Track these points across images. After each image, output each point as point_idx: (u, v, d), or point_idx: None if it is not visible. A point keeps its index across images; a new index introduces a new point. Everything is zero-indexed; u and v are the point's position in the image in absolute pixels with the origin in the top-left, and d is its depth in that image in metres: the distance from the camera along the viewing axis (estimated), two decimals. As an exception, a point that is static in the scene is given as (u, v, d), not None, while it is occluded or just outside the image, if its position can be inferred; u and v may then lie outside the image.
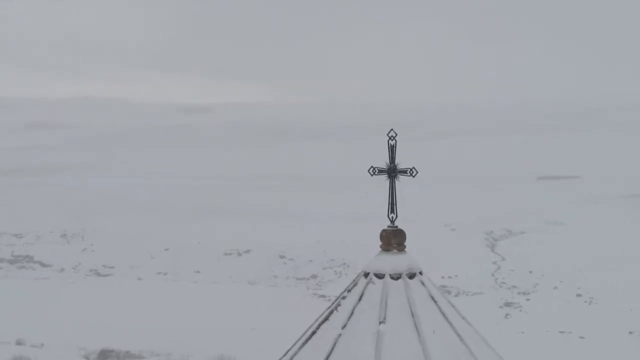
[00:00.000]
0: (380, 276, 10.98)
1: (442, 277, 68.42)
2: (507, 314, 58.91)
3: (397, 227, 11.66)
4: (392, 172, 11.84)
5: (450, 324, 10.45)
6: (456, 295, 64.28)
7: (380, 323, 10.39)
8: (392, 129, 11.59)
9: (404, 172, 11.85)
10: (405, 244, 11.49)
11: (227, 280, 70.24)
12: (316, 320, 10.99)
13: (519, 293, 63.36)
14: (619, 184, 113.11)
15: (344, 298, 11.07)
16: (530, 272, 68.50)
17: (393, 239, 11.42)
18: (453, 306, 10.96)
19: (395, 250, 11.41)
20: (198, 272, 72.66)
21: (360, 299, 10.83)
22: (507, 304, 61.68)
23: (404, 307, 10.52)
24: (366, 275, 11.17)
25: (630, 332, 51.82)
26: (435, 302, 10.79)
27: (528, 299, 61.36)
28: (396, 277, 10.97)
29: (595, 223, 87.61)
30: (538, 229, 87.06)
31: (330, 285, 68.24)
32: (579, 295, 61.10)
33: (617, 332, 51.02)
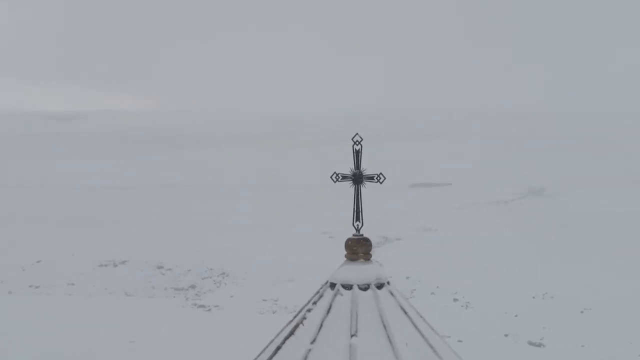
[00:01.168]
0: (347, 287, 10.81)
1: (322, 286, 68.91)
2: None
3: (362, 235, 11.55)
4: (358, 178, 11.68)
5: (422, 335, 10.31)
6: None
7: (352, 336, 10.18)
8: (357, 133, 11.45)
9: (370, 178, 11.69)
10: (371, 252, 11.39)
11: (103, 292, 68.35)
12: (278, 335, 10.60)
13: (414, 299, 64.78)
14: (489, 191, 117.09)
15: (309, 311, 10.77)
16: (408, 278, 69.63)
17: (360, 248, 11.31)
18: (421, 317, 10.92)
19: (362, 260, 11.31)
20: (72, 284, 70.40)
21: (328, 311, 10.57)
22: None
23: (375, 319, 10.32)
24: (332, 286, 10.96)
25: (506, 335, 53.42)
26: (405, 312, 10.66)
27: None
28: (364, 287, 10.81)
29: (466, 229, 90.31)
30: (413, 235, 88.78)
31: (210, 295, 67.26)
32: (455, 299, 62.57)
33: (493, 335, 52.69)
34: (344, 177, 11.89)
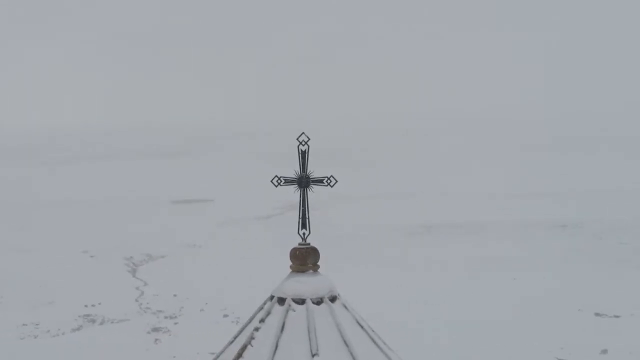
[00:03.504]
0: (299, 301, 9.84)
1: (86, 305, 65.90)
2: (156, 339, 58.34)
3: (309, 244, 10.62)
4: (304, 182, 10.61)
5: (381, 349, 9.67)
6: (101, 324, 62.00)
7: (313, 355, 9.26)
8: (303, 132, 10.42)
9: (319, 181, 10.61)
10: (319, 263, 10.37)
11: None
12: (217, 357, 9.40)
13: (165, 317, 62.88)
14: (250, 206, 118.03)
15: (256, 329, 9.74)
16: (175, 295, 68.26)
17: (309, 258, 10.35)
18: (373, 330, 10.11)
19: (311, 271, 10.32)
20: None
21: (282, 329, 9.58)
22: (155, 329, 61.12)
23: (334, 335, 9.47)
24: (281, 301, 9.93)
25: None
26: (361, 327, 9.92)
27: (176, 323, 61.07)
28: (318, 301, 9.88)
29: (231, 244, 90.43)
30: (178, 252, 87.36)
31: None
32: (225, 315, 62.07)
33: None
34: (288, 181, 10.78)
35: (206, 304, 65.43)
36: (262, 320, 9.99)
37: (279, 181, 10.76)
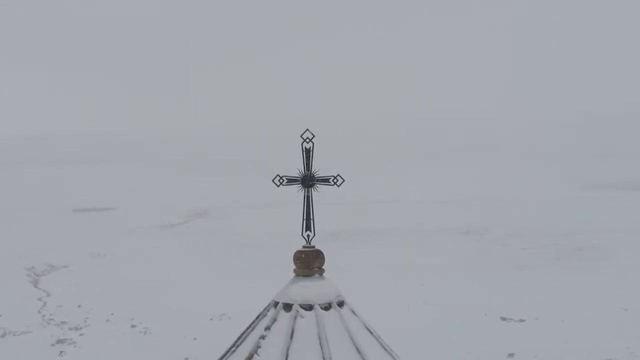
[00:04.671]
0: (307, 307, 9.23)
1: (-15, 318, 63.77)
2: (61, 351, 56.70)
3: (314, 247, 9.94)
4: (308, 181, 9.97)
5: (392, 356, 9.26)
6: (3, 336, 59.87)
7: None
8: (307, 129, 9.75)
9: (324, 180, 9.96)
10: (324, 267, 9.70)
11: None
12: None
13: (70, 329, 61.14)
14: (155, 215, 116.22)
15: (263, 338, 9.09)
16: (79, 306, 66.51)
17: (315, 262, 9.69)
18: (380, 336, 9.66)
19: (317, 275, 9.70)
20: None
21: (292, 336, 8.94)
22: (60, 341, 59.38)
23: (346, 342, 8.92)
24: (287, 307, 9.28)
25: (186, 358, 52.85)
26: (371, 333, 9.42)
27: (82, 334, 59.51)
28: (326, 307, 9.27)
29: (136, 253, 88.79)
30: (81, 261, 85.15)
31: None
32: (133, 326, 60.79)
33: (173, 359, 52.11)
34: (291, 180, 10.06)
35: (112, 314, 63.97)
36: (267, 328, 9.36)
37: (281, 180, 10.07)
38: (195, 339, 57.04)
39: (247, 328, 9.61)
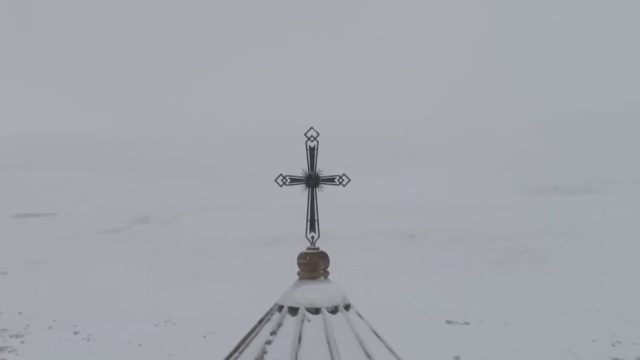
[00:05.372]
0: (313, 311, 8.96)
1: None
2: (2, 359, 55.69)
3: (318, 248, 9.73)
4: (313, 181, 9.77)
5: None
6: (-62, 345, 58.55)
7: None
8: (312, 127, 9.43)
9: (330, 180, 9.77)
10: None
11: None
12: None
13: (11, 336, 59.80)
14: (96, 220, 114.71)
15: (268, 343, 8.80)
16: (20, 313, 65.16)
17: (320, 264, 9.47)
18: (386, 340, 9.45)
19: (322, 278, 9.48)
20: None
21: (299, 341, 8.67)
22: (0, 349, 58.30)
23: (355, 346, 8.70)
24: (293, 311, 9.03)
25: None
26: (378, 337, 9.22)
27: (23, 342, 58.22)
28: (333, 310, 9.04)
29: (78, 259, 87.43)
30: (21, 268, 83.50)
31: None
32: (76, 332, 59.81)
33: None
34: (294, 180, 9.77)
35: (54, 321, 62.83)
36: (273, 333, 9.08)
37: (284, 180, 9.80)
38: (140, 345, 56.40)
39: (250, 333, 9.34)
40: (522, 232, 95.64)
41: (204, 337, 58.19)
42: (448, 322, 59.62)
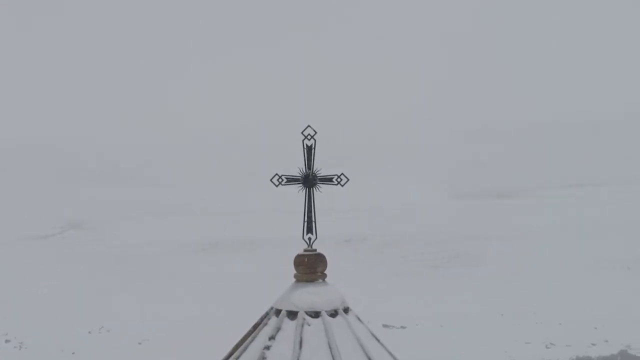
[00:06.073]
0: (312, 314, 8.62)
1: None
2: None
3: (315, 250, 9.37)
4: (310, 180, 9.34)
5: None
6: None
7: None
8: (309, 126, 9.07)
9: (327, 179, 9.34)
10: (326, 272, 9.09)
11: None
12: None
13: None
14: (27, 226, 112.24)
15: (267, 348, 8.38)
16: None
17: (318, 267, 9.10)
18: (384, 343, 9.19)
19: (320, 280, 9.13)
20: None
21: (301, 346, 8.29)
22: None
23: (357, 350, 8.40)
24: (291, 315, 8.64)
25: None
26: (377, 340, 8.95)
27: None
28: (332, 314, 8.72)
29: (9, 265, 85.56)
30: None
31: None
32: (7, 341, 58.49)
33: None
34: (291, 180, 9.32)
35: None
36: (272, 337, 8.64)
37: (280, 180, 9.36)
38: (73, 353, 55.39)
39: (244, 338, 8.99)
40: (457, 236, 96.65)
41: (139, 344, 57.40)
42: (385, 326, 59.87)
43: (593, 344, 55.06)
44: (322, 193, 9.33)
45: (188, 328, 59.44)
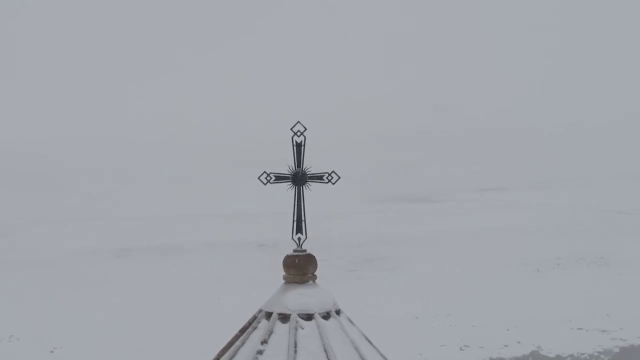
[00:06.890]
0: (305, 317, 8.32)
1: None
2: None
3: (305, 250, 9.00)
4: (300, 179, 8.94)
5: None
6: None
7: None
8: (298, 122, 8.67)
9: (317, 177, 8.93)
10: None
11: None
12: None
13: None
14: None
15: (260, 353, 7.97)
16: None
17: (309, 268, 8.78)
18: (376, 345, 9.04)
19: (311, 282, 8.81)
20: None
21: (295, 350, 7.97)
22: None
23: (351, 353, 8.14)
24: (284, 318, 8.30)
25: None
26: (369, 342, 8.77)
27: None
28: (325, 316, 8.42)
29: None
30: None
31: None
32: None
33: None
34: (279, 178, 8.95)
35: None
36: (264, 342, 8.26)
37: (268, 178, 9.01)
38: (-14, 361, 53.79)
39: (231, 342, 8.61)
40: (373, 240, 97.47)
41: (51, 352, 55.95)
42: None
43: (506, 346, 56.14)
44: (311, 191, 9.14)
45: (105, 336, 58.27)
